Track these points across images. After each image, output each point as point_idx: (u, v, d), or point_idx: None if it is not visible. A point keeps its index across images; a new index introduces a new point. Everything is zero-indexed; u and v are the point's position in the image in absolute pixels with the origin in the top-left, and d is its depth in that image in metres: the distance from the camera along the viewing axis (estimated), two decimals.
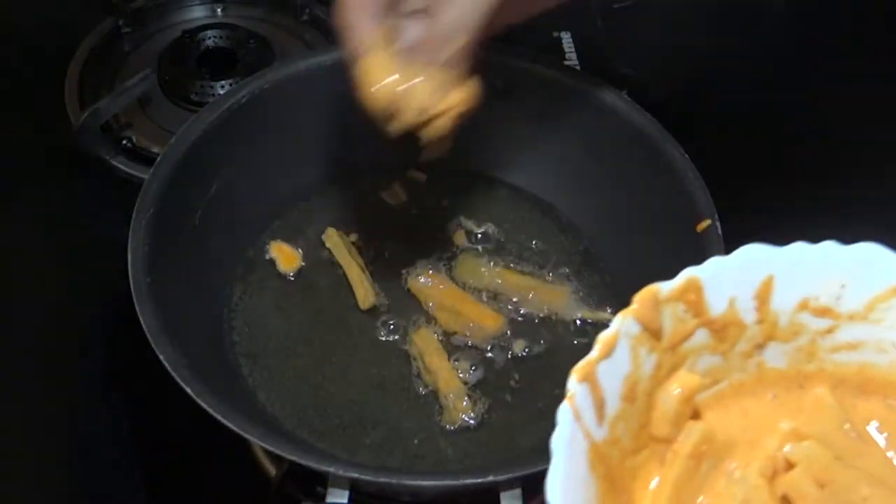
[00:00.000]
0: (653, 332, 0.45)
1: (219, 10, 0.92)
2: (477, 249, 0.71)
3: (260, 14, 0.93)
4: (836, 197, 0.71)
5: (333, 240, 0.70)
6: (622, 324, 0.44)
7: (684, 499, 0.43)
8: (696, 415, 0.45)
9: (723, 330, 0.45)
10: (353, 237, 0.71)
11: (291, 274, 0.69)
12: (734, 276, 0.44)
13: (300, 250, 0.70)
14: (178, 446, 0.66)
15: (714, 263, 0.43)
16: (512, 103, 0.71)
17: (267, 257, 0.70)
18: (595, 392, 0.43)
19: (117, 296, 0.64)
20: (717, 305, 0.44)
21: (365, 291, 0.67)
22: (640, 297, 0.44)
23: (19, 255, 0.76)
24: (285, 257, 0.70)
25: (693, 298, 0.44)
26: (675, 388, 0.44)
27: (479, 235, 0.72)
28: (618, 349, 0.44)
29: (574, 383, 0.42)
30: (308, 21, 0.92)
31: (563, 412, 0.41)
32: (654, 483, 0.44)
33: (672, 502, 0.43)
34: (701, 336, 0.45)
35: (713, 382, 0.45)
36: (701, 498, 0.43)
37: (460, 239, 0.71)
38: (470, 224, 0.72)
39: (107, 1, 0.90)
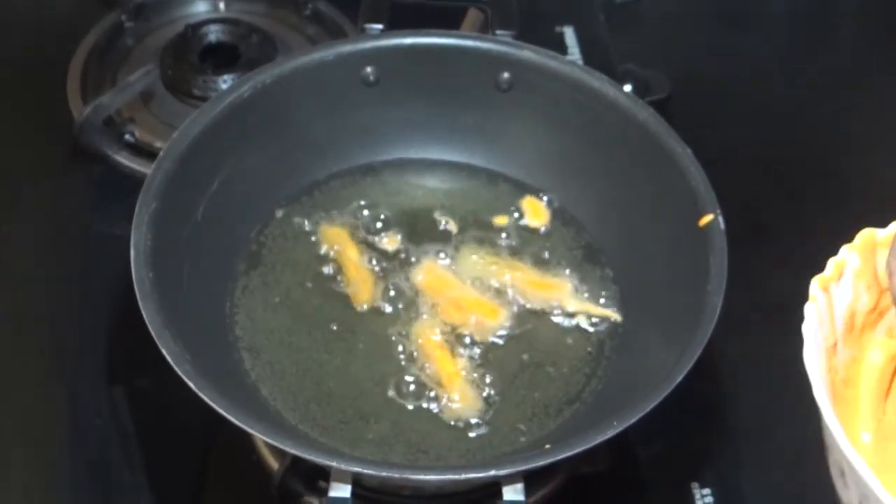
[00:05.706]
0: (870, 270, 0.52)
1: (221, 4, 0.92)
2: (479, 243, 0.71)
3: (263, 9, 0.93)
4: (836, 194, 0.72)
5: (333, 237, 0.70)
6: (847, 255, 0.51)
7: None
8: None
9: None
10: (355, 232, 0.71)
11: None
12: None
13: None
14: (181, 441, 0.66)
15: None
16: (514, 98, 0.72)
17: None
18: (829, 306, 0.51)
19: (119, 291, 0.64)
20: None
21: (359, 292, 0.67)
22: (861, 236, 0.53)
23: (21, 251, 0.76)
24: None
25: None
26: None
27: (482, 229, 0.72)
28: (844, 276, 0.52)
29: (816, 288, 0.51)
30: (311, 16, 0.92)
31: (809, 307, 0.50)
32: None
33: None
34: None
35: None
36: None
37: (462, 233, 0.71)
38: (472, 218, 0.72)
39: None
